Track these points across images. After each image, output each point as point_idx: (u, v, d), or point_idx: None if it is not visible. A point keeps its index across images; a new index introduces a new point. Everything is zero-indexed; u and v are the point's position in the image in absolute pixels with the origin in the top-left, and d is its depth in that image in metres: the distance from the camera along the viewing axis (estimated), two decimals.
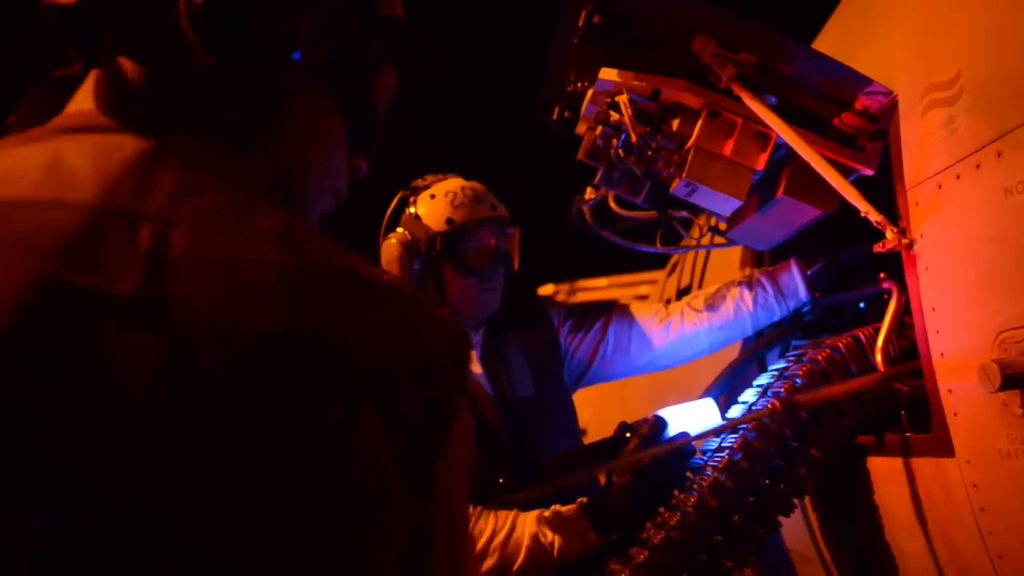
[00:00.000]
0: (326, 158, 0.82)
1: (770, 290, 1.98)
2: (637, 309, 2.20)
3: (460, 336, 0.68)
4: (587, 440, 2.17)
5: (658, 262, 4.91)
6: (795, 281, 1.96)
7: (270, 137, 0.76)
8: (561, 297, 8.25)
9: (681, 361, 2.18)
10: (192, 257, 0.59)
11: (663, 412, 1.76)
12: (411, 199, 2.17)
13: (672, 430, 1.73)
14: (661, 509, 1.59)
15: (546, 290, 8.43)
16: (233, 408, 0.56)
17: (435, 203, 2.11)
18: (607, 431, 1.81)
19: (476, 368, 2.10)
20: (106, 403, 0.54)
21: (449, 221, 2.07)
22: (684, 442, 1.70)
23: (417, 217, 2.11)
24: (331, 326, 0.60)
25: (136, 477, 0.53)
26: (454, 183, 2.15)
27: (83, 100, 0.72)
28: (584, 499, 1.76)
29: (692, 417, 1.78)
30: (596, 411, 5.52)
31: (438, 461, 0.63)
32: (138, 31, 0.72)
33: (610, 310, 2.22)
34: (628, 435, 1.74)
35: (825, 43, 1.97)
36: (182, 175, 0.64)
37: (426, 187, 2.17)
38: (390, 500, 0.60)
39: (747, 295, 2.01)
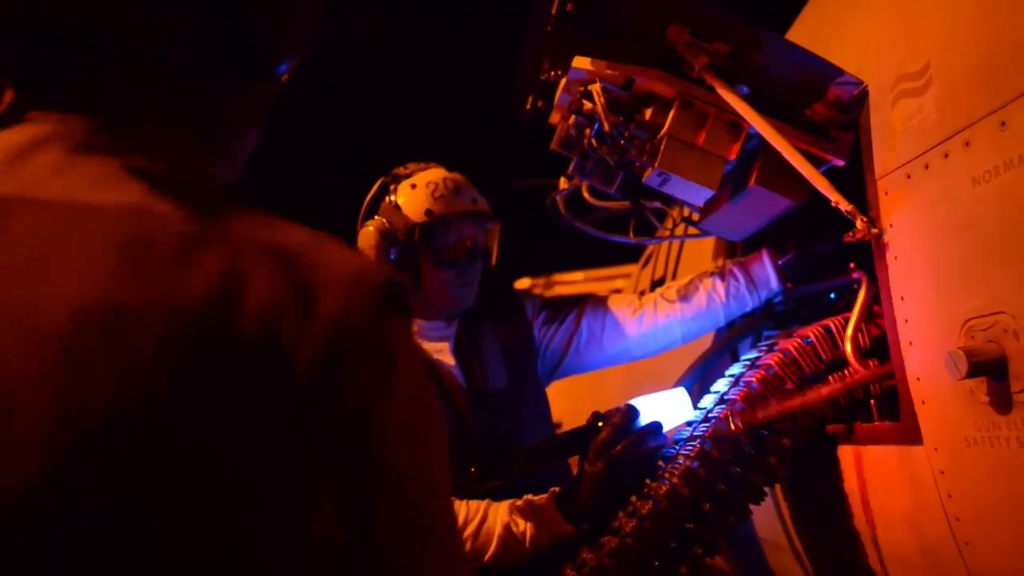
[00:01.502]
0: (259, 135, 0.83)
1: (742, 280, 1.99)
2: (610, 301, 2.21)
3: (378, 303, 0.60)
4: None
5: (634, 256, 4.92)
6: (767, 271, 1.97)
7: (242, 136, 0.75)
8: (538, 291, 8.27)
9: (655, 351, 2.19)
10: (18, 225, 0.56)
11: (635, 401, 1.76)
12: (392, 187, 2.15)
13: (644, 419, 1.73)
14: (633, 498, 1.59)
15: (522, 284, 8.44)
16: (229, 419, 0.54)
17: (415, 193, 2.09)
18: (582, 423, 1.81)
19: (449, 360, 2.09)
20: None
21: (428, 212, 2.06)
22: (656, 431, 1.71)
23: (397, 206, 2.10)
24: (171, 294, 0.55)
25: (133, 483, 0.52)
26: (436, 173, 2.14)
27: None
28: (557, 488, 1.76)
29: (664, 406, 1.78)
30: (571, 403, 5.54)
31: (372, 447, 0.58)
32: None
33: (583, 302, 2.22)
34: (600, 424, 1.74)
35: (798, 34, 1.98)
36: (68, 157, 0.62)
37: (408, 175, 2.15)
38: (305, 500, 0.56)
39: (719, 285, 2.02)
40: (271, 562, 0.54)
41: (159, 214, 0.58)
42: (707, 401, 1.72)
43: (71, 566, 0.50)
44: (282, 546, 0.54)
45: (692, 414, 1.73)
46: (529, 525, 1.70)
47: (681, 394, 1.83)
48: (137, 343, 0.52)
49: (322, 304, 0.57)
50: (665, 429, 1.72)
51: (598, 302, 2.22)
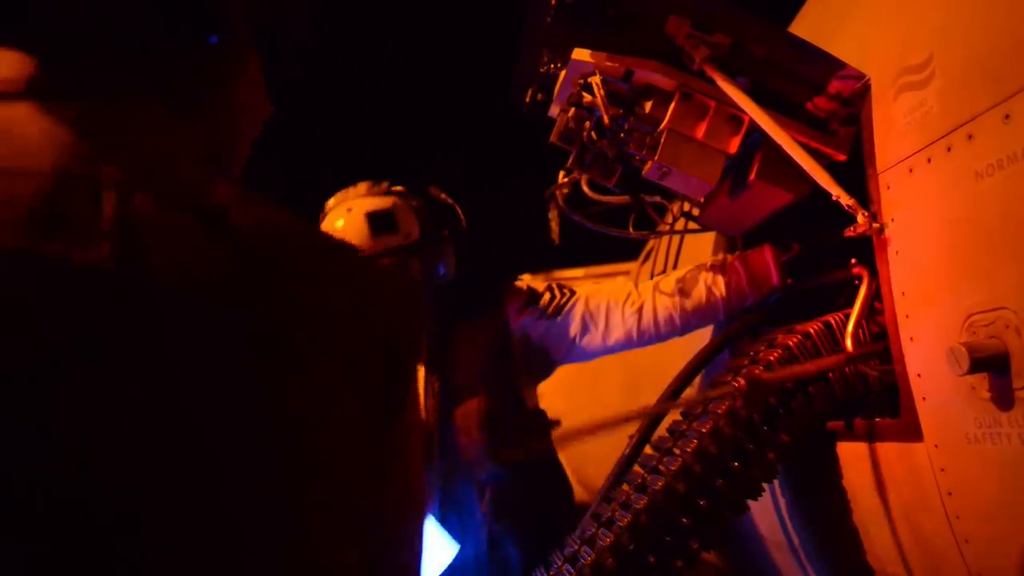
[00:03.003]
0: (255, 117, 0.83)
1: (743, 276, 1.98)
2: (609, 293, 2.18)
3: (415, 300, 0.70)
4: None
5: (633, 253, 4.91)
6: (768, 267, 1.95)
7: (212, 103, 0.75)
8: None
9: (655, 342, 2.17)
10: (157, 222, 0.58)
11: None
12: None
13: None
14: (627, 488, 1.58)
15: (522, 280, 8.42)
16: (205, 376, 0.56)
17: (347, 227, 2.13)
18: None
19: None
20: (85, 375, 0.52)
21: None
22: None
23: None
24: (296, 289, 0.62)
25: (111, 452, 0.53)
26: (351, 218, 2.14)
27: (13, 67, 0.67)
28: None
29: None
30: (569, 400, 5.53)
31: (398, 423, 0.65)
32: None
33: (580, 296, 2.20)
34: None
35: (801, 26, 1.96)
36: (133, 140, 0.63)
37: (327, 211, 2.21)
38: (357, 464, 0.62)
39: (720, 280, 2.00)
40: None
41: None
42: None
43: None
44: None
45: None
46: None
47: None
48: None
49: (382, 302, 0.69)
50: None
51: (596, 296, 2.19)
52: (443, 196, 2.29)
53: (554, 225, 2.02)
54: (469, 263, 2.29)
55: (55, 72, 0.66)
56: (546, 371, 2.25)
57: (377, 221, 2.11)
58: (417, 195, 2.22)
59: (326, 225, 2.17)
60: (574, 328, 2.14)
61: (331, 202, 2.22)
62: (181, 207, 0.60)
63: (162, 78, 0.70)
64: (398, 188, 2.20)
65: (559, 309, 2.16)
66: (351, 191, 2.21)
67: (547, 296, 2.19)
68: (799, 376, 1.54)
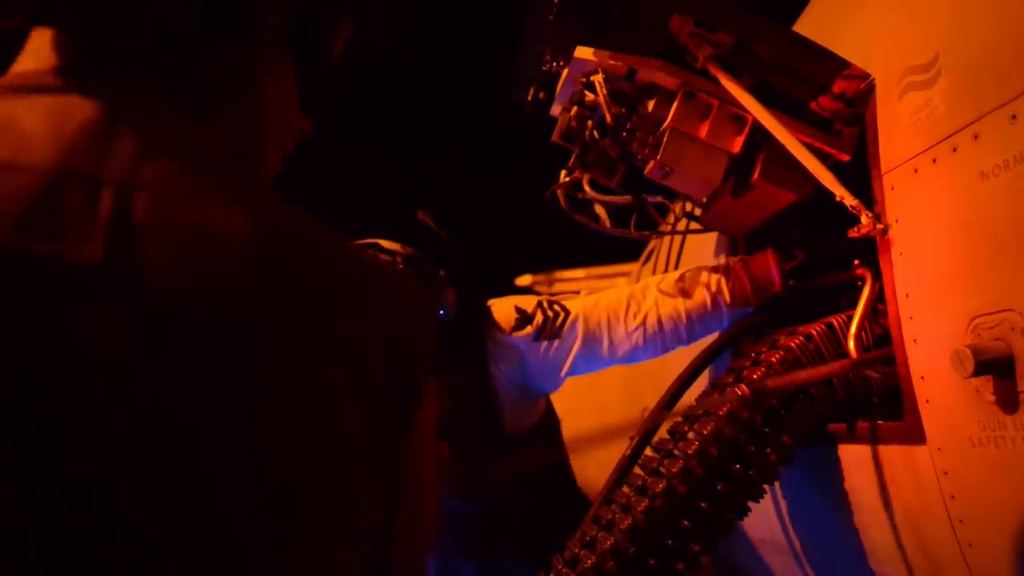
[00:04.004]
0: (283, 126, 0.80)
1: (747, 283, 1.95)
2: (607, 306, 2.09)
3: (431, 309, 0.67)
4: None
5: (635, 253, 4.90)
6: (771, 275, 1.93)
7: (234, 104, 0.73)
8: (540, 288, 8.24)
9: (661, 353, 2.11)
10: (156, 224, 0.56)
11: None
12: None
13: None
14: (627, 490, 1.57)
15: (524, 280, 8.42)
16: (204, 380, 0.55)
17: None
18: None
19: None
20: (71, 377, 0.51)
21: None
22: None
23: None
24: (302, 293, 0.60)
25: (104, 453, 0.52)
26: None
27: (30, 59, 0.67)
28: None
29: None
30: (571, 403, 5.52)
31: (409, 435, 0.63)
32: None
33: (575, 311, 2.10)
34: None
35: (805, 25, 1.95)
36: (142, 139, 0.61)
37: None
38: (362, 474, 0.60)
39: (724, 288, 1.98)
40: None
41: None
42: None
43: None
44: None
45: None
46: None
47: None
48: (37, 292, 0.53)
49: (395, 312, 0.66)
50: None
51: (594, 312, 2.09)
52: (431, 223, 2.17)
53: (600, 211, 2.00)
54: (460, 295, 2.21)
55: (79, 66, 0.65)
56: (548, 388, 2.17)
57: None
58: (407, 245, 2.08)
59: None
60: (576, 349, 2.06)
61: None
62: (185, 209, 0.58)
63: (184, 74, 0.69)
64: (390, 245, 2.07)
65: (556, 331, 2.07)
66: None
67: (539, 316, 2.08)
68: (803, 382, 1.53)
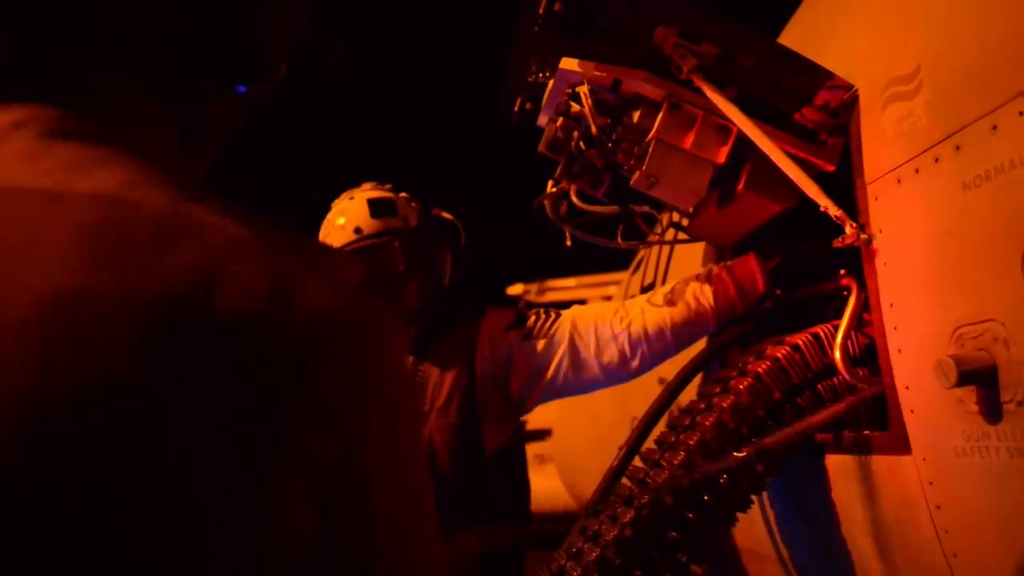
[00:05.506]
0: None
1: (730, 285, 1.96)
2: (596, 313, 2.11)
3: (360, 295, 0.57)
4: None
5: (625, 262, 4.91)
6: (754, 276, 1.94)
7: (207, 141, 0.74)
8: (531, 297, 8.25)
9: (650, 363, 2.10)
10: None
11: None
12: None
13: None
14: (614, 501, 1.56)
15: (515, 290, 8.42)
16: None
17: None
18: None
19: None
20: None
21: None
22: None
23: None
24: (156, 280, 0.51)
25: None
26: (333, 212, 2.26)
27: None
28: None
29: None
30: (561, 409, 5.52)
31: (351, 444, 0.54)
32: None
33: (566, 316, 2.13)
34: None
35: (789, 37, 1.96)
36: (40, 143, 0.58)
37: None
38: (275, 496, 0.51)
39: (707, 290, 1.98)
40: (240, 560, 0.51)
41: (134, 202, 0.55)
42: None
43: (35, 561, 0.48)
44: (252, 544, 0.50)
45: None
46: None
47: None
48: (108, 329, 0.49)
49: (303, 295, 0.54)
50: None
51: (583, 317, 2.12)
52: (445, 214, 2.36)
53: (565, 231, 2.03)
54: (460, 282, 2.29)
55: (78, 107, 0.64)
56: (527, 397, 2.16)
57: (377, 204, 2.22)
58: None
59: (330, 216, 2.26)
60: (562, 350, 2.07)
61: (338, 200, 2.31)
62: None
63: (176, 110, 0.69)
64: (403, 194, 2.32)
65: (545, 330, 2.10)
66: (357, 188, 2.31)
67: (533, 318, 2.15)
68: (805, 431, 1.53)
